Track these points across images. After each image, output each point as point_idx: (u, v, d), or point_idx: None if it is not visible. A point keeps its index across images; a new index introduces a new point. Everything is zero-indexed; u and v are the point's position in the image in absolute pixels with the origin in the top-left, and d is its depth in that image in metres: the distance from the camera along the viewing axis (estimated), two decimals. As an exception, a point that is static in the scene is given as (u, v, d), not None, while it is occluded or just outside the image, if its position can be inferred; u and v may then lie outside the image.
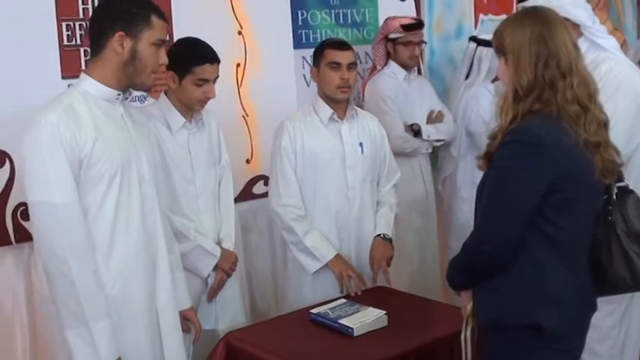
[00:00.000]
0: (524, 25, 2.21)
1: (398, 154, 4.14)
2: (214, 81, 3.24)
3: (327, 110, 3.48)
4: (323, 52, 3.47)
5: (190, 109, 3.27)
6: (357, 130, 3.54)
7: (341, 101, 3.49)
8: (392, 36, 4.49)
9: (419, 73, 4.92)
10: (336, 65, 3.42)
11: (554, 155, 2.13)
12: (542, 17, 2.22)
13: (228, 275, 3.40)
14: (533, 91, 2.17)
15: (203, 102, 3.24)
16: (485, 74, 4.66)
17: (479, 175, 4.51)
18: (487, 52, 4.59)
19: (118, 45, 2.42)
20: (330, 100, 3.48)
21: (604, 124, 2.23)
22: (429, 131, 4.49)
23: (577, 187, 2.16)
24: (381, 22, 4.71)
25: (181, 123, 3.26)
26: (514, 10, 5.51)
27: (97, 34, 2.47)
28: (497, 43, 2.29)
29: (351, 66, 3.46)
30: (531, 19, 2.22)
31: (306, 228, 3.43)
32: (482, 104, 4.54)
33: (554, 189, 2.13)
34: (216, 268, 3.33)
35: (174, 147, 3.24)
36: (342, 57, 3.44)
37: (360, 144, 3.52)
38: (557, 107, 2.17)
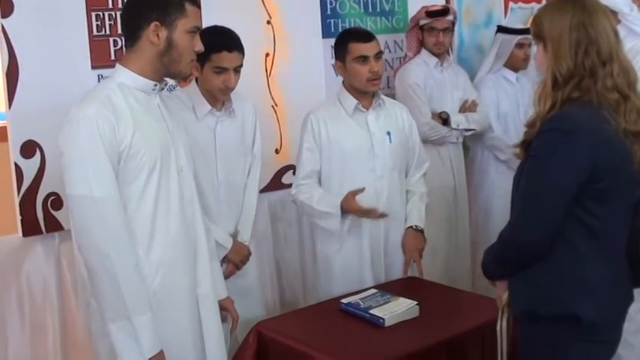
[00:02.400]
0: (565, 12, 2.17)
1: (425, 142, 4.13)
2: (237, 70, 3.20)
3: (351, 101, 3.45)
4: (347, 47, 3.40)
5: (215, 97, 3.26)
6: (384, 119, 3.50)
7: (370, 93, 3.46)
8: (421, 23, 4.49)
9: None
10: (364, 58, 3.37)
11: (593, 144, 2.09)
12: (582, 3, 2.18)
13: (238, 268, 3.37)
14: (573, 78, 2.14)
15: (224, 91, 3.21)
16: (493, 59, 4.72)
17: (487, 160, 4.65)
18: (499, 37, 4.75)
19: (154, 35, 2.41)
20: (357, 92, 3.44)
21: (644, 113, 2.19)
22: (458, 120, 4.47)
23: (616, 176, 2.13)
24: (410, 11, 4.70)
25: (207, 109, 3.26)
26: (544, -2, 5.47)
27: (132, 26, 2.45)
28: (535, 29, 2.26)
29: (378, 55, 3.41)
30: (572, 5, 2.18)
31: (311, 191, 3.42)
32: (483, 92, 4.68)
33: (593, 178, 2.10)
34: (226, 259, 3.31)
35: (200, 132, 3.22)
36: (369, 49, 3.39)
37: (388, 133, 3.48)
38: (596, 95, 2.13)
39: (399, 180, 3.55)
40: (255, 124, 3.47)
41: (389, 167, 3.48)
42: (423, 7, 4.54)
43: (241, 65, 3.22)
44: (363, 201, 3.35)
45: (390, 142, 3.48)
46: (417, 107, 4.31)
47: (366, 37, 3.43)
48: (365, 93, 3.44)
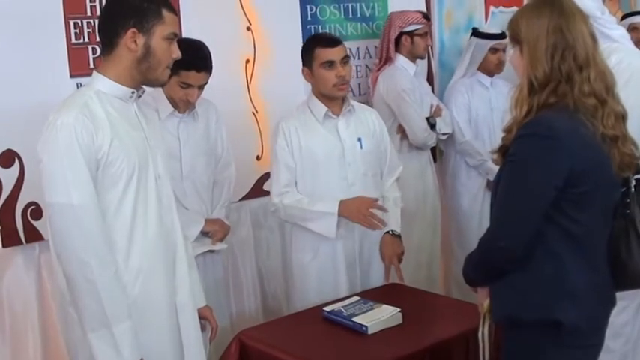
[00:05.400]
0: (542, 16, 2.17)
1: (415, 147, 4.18)
2: (201, 87, 3.31)
3: (321, 108, 3.42)
4: (313, 52, 3.38)
5: (177, 105, 3.36)
6: (354, 125, 3.47)
7: (339, 98, 3.44)
8: (411, 28, 4.49)
9: (429, 67, 4.96)
10: (330, 64, 3.35)
11: (570, 148, 2.09)
12: (560, 7, 2.18)
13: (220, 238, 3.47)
14: (549, 83, 2.14)
15: (185, 102, 3.34)
16: (467, 63, 4.77)
17: (459, 165, 4.67)
18: (472, 41, 4.80)
19: (131, 42, 2.40)
20: (326, 98, 3.42)
21: (622, 117, 2.20)
22: (440, 125, 4.51)
23: (594, 180, 2.13)
24: (391, 16, 4.70)
25: (169, 111, 3.36)
26: (525, 2, 5.49)
27: (109, 32, 2.44)
28: (512, 33, 2.26)
29: (345, 60, 3.38)
30: (549, 9, 2.17)
31: (297, 196, 3.39)
32: (455, 97, 4.75)
33: (571, 183, 2.10)
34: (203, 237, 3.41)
35: (164, 133, 3.20)
36: (335, 54, 3.36)
37: (359, 139, 3.45)
38: (573, 100, 2.13)
39: (374, 185, 3.51)
40: (220, 125, 3.56)
41: (361, 173, 3.45)
42: (402, 13, 4.55)
43: (206, 82, 3.32)
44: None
45: (362, 148, 3.46)
46: (414, 113, 4.37)
47: (332, 42, 3.41)
48: (334, 99, 3.42)
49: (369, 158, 3.48)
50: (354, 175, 3.43)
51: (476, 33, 4.84)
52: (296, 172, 3.42)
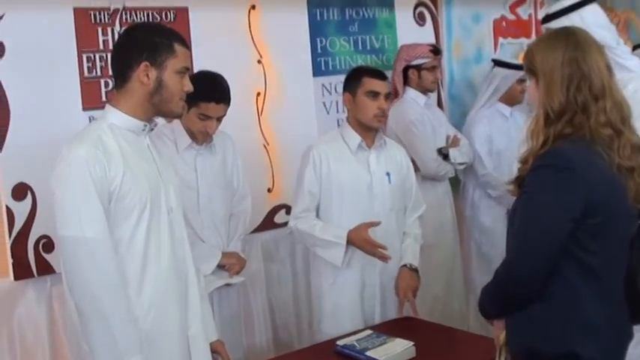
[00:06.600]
0: (557, 47, 2.17)
1: (429, 179, 4.16)
2: (219, 119, 3.33)
3: (356, 138, 3.46)
4: (361, 80, 3.44)
5: (195, 137, 3.38)
6: (384, 159, 3.51)
7: (373, 130, 3.47)
8: (418, 62, 4.50)
9: (439, 98, 4.97)
10: (374, 94, 3.40)
11: (587, 180, 2.08)
12: (575, 39, 2.18)
13: (236, 271, 3.46)
14: (565, 114, 2.13)
15: (204, 134, 3.36)
16: (490, 94, 4.73)
17: (479, 197, 4.64)
18: (498, 72, 4.73)
19: (144, 75, 2.41)
20: (362, 127, 3.45)
21: (638, 148, 2.18)
22: (454, 155, 4.48)
23: (611, 212, 2.11)
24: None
25: (187, 143, 3.38)
26: (533, 33, 5.53)
27: (122, 66, 2.46)
28: (528, 64, 2.26)
29: (388, 96, 3.48)
30: (564, 40, 2.18)
31: (312, 222, 3.41)
32: (477, 128, 4.68)
33: (587, 214, 2.08)
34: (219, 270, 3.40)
35: (181, 165, 3.32)
36: (381, 86, 3.43)
37: (388, 173, 3.49)
38: (589, 131, 2.12)
39: (397, 221, 3.53)
40: (237, 159, 3.58)
41: (387, 208, 3.48)
42: (412, 46, 4.57)
43: (225, 114, 3.34)
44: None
45: (390, 182, 3.49)
46: (423, 144, 4.36)
47: (380, 75, 3.49)
48: (369, 130, 3.45)
49: (395, 193, 3.51)
50: (380, 208, 3.45)
51: (500, 63, 4.81)
52: (320, 199, 3.45)
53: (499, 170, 4.65)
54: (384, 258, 3.31)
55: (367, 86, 3.42)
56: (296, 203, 3.48)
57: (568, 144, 2.12)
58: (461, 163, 4.57)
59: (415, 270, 3.47)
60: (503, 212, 4.62)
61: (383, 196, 3.46)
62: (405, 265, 3.46)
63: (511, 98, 4.78)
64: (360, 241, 3.30)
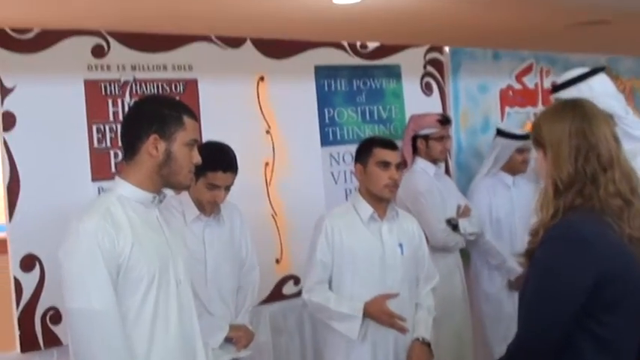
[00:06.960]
0: (564, 119, 2.18)
1: (439, 249, 4.14)
2: (227, 188, 3.35)
3: (367, 209, 3.45)
4: (372, 151, 3.45)
5: (204, 207, 3.40)
6: (397, 230, 3.49)
7: (385, 200, 3.47)
8: (425, 132, 4.51)
9: (446, 168, 4.96)
10: (385, 164, 3.41)
11: (599, 252, 2.06)
12: (582, 110, 2.19)
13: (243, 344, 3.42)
14: (574, 185, 2.13)
15: (212, 204, 3.39)
16: (491, 163, 4.76)
17: (481, 265, 4.62)
18: (498, 141, 4.79)
19: (153, 148, 2.43)
20: (373, 198, 3.45)
21: (648, 219, 2.18)
22: (464, 225, 4.47)
23: (623, 283, 2.09)
24: (407, 118, 4.73)
25: (195, 214, 3.40)
26: (539, 102, 5.56)
27: (131, 138, 2.47)
28: (535, 136, 2.26)
29: (399, 166, 3.47)
30: (571, 111, 2.19)
31: (326, 294, 3.39)
32: (476, 197, 4.72)
33: (600, 286, 2.06)
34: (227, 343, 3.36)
35: (190, 237, 3.32)
36: (392, 157, 3.43)
37: (400, 245, 3.47)
38: (599, 201, 2.12)
39: (409, 291, 3.50)
40: (245, 229, 3.59)
41: (399, 279, 3.44)
42: (421, 116, 4.59)
43: (232, 184, 3.36)
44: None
45: (402, 253, 3.47)
46: (431, 215, 4.34)
47: (391, 145, 3.50)
48: (380, 200, 3.45)
49: (408, 264, 3.49)
50: (393, 279, 3.42)
51: (501, 133, 4.85)
52: (332, 270, 3.43)
53: (501, 239, 4.67)
54: (402, 330, 3.30)
55: (378, 156, 3.42)
56: (308, 274, 3.46)
57: (578, 215, 2.12)
58: (471, 234, 4.54)
59: (427, 344, 3.43)
60: (502, 280, 4.62)
61: (396, 267, 3.43)
62: (417, 339, 3.42)
63: (512, 167, 4.80)
64: (377, 312, 3.29)
